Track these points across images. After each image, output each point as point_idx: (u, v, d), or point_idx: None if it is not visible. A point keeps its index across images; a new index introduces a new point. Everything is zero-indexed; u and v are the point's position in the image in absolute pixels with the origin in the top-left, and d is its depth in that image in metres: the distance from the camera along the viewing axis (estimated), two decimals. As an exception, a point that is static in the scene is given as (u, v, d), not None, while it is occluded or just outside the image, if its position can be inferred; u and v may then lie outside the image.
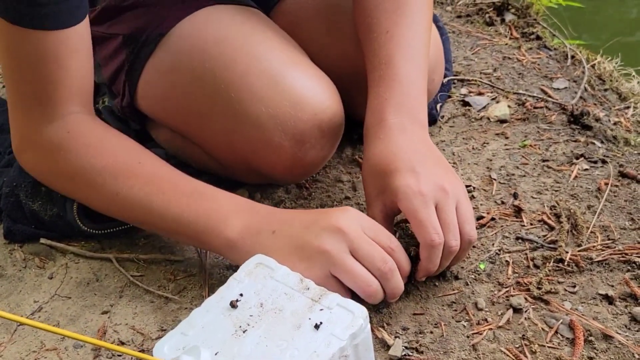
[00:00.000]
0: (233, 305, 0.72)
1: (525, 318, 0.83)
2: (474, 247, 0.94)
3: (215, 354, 0.67)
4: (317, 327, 0.68)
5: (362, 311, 0.70)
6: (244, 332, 0.69)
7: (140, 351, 0.83)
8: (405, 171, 0.82)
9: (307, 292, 0.72)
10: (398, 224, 0.97)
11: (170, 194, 0.85)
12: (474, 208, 1.00)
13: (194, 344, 0.68)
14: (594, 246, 0.93)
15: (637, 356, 0.77)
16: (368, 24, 0.94)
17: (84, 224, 0.97)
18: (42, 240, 1.00)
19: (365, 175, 0.88)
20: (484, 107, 1.26)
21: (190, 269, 0.95)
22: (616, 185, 1.04)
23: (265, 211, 0.85)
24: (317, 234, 0.78)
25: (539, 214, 0.99)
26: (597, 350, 0.78)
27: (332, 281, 0.77)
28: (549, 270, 0.89)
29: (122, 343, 0.85)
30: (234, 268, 0.92)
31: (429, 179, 0.81)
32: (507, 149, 1.14)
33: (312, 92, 0.91)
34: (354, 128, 1.14)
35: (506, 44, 1.49)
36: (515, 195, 1.03)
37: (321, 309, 0.70)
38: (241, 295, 0.73)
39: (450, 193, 0.81)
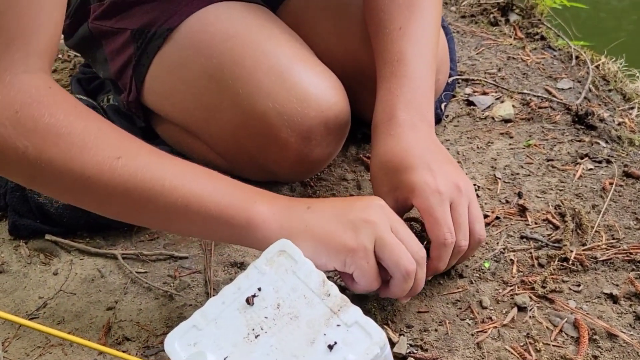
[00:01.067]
0: (249, 302, 0.70)
1: (530, 316, 0.83)
2: (478, 245, 0.94)
3: (224, 358, 0.67)
4: (330, 347, 0.66)
5: (380, 337, 0.66)
6: (256, 337, 0.68)
7: (144, 347, 0.83)
8: (421, 168, 0.82)
9: (327, 300, 0.69)
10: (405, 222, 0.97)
11: (183, 167, 0.75)
12: (478, 207, 1.00)
13: (205, 343, 0.67)
14: (598, 245, 0.93)
15: (641, 355, 0.77)
16: (380, 19, 0.94)
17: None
18: (47, 237, 1.00)
19: (375, 171, 0.87)
20: (489, 107, 1.26)
21: (195, 266, 0.95)
22: (621, 185, 1.04)
23: (290, 197, 0.81)
24: (362, 208, 0.75)
25: (543, 213, 0.99)
26: (602, 349, 0.78)
27: (373, 256, 0.74)
28: (554, 269, 0.89)
29: (126, 339, 0.85)
30: (238, 265, 0.93)
31: (445, 177, 0.81)
32: (511, 149, 1.14)
33: (319, 89, 0.91)
34: (358, 127, 1.14)
35: (510, 44, 1.49)
36: (519, 195, 1.03)
37: (338, 325, 0.67)
38: (259, 289, 0.71)
39: (463, 192, 0.81)
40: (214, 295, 0.85)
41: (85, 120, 0.71)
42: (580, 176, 1.07)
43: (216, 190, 0.74)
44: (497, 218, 0.99)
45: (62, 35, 1.13)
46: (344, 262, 0.73)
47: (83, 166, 0.70)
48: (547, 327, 0.82)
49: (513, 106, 1.26)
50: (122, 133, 0.74)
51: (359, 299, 0.82)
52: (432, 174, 0.81)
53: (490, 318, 0.84)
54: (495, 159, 1.12)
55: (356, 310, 0.68)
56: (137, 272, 0.94)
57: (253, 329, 0.68)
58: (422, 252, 0.76)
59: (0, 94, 0.67)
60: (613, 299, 0.85)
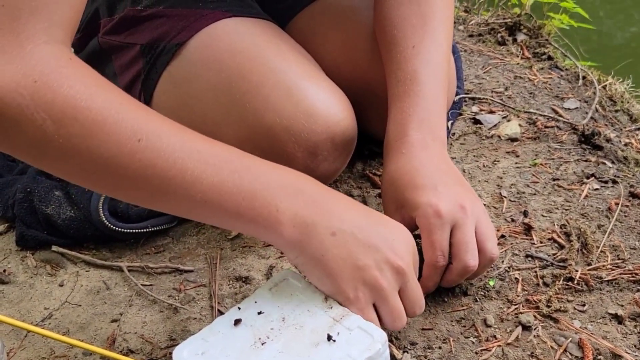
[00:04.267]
0: (237, 324, 0.74)
1: (534, 336, 0.83)
2: (483, 263, 0.94)
3: None
4: (329, 338, 0.70)
5: (381, 336, 0.71)
6: (262, 344, 0.71)
7: (148, 360, 0.83)
8: (428, 189, 0.83)
9: (330, 312, 0.73)
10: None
11: (208, 153, 0.71)
12: (484, 225, 1.00)
13: (212, 352, 0.70)
14: (603, 265, 0.92)
15: (646, 376, 0.77)
16: (393, 36, 0.95)
17: (112, 224, 0.98)
18: (54, 248, 1.01)
19: (385, 189, 0.89)
20: (495, 125, 1.27)
21: (200, 279, 0.95)
22: (627, 206, 1.04)
23: (313, 193, 0.75)
24: (379, 265, 0.74)
25: (549, 232, 0.99)
26: (606, 369, 0.78)
27: (371, 310, 0.75)
28: (559, 289, 0.89)
29: (131, 351, 0.85)
30: (243, 280, 0.93)
31: (450, 199, 0.82)
32: (517, 167, 1.14)
33: (326, 105, 0.92)
34: (365, 143, 1.15)
35: (518, 64, 1.50)
36: (525, 213, 1.03)
37: (341, 330, 0.71)
38: (260, 313, 0.75)
39: (469, 212, 0.82)
40: (218, 309, 0.87)
41: (106, 93, 0.67)
42: (586, 196, 1.07)
43: (237, 187, 0.71)
44: (503, 236, 0.99)
45: (72, 50, 1.15)
46: (344, 303, 0.75)
47: (101, 145, 0.65)
48: (551, 347, 0.82)
49: (519, 125, 1.26)
50: (145, 109, 0.70)
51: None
52: (437, 195, 0.82)
53: (495, 336, 0.83)
54: (501, 178, 1.12)
55: (358, 318, 0.72)
56: (142, 285, 0.95)
57: (260, 338, 0.71)
58: (421, 309, 0.79)
59: (20, 62, 0.63)
60: (618, 319, 0.85)
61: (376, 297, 0.74)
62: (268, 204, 0.72)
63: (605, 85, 1.40)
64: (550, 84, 1.41)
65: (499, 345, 0.82)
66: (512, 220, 1.02)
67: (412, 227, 0.85)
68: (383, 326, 0.75)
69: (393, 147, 0.89)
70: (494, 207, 1.05)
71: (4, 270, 0.99)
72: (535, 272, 0.93)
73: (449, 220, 0.81)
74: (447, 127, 1.24)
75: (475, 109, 1.33)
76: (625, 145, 1.20)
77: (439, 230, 0.81)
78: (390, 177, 0.88)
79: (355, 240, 0.74)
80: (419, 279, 0.81)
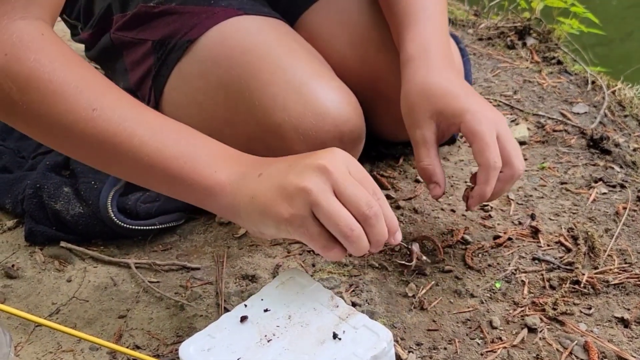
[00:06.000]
0: (243, 320, 0.75)
1: (540, 338, 0.83)
2: (489, 265, 0.94)
3: (237, 359, 0.69)
4: (335, 336, 0.71)
5: (387, 334, 0.71)
6: (268, 341, 0.71)
7: (155, 356, 0.84)
8: (470, 96, 0.86)
9: (336, 310, 0.74)
10: (415, 240, 0.98)
11: (157, 123, 0.76)
12: (490, 228, 1.01)
13: (218, 348, 0.70)
14: (610, 269, 0.92)
15: (652, 380, 0.77)
16: None
17: (120, 220, 0.99)
18: (62, 244, 1.02)
19: (413, 98, 0.89)
20: (504, 129, 1.27)
21: (207, 277, 0.96)
22: (634, 210, 1.04)
23: (254, 158, 0.79)
24: (300, 172, 0.71)
25: (556, 236, 0.99)
26: (612, 372, 0.78)
27: (313, 223, 0.70)
28: (565, 292, 0.89)
29: (137, 347, 0.85)
30: (250, 278, 0.94)
31: (490, 107, 0.87)
32: (525, 171, 1.14)
33: (334, 104, 0.93)
34: (373, 145, 1.15)
35: (527, 68, 1.50)
36: (532, 216, 1.03)
37: (347, 329, 0.72)
38: (266, 310, 0.75)
39: (505, 124, 0.86)
40: (224, 306, 0.87)
41: (69, 68, 0.73)
42: (594, 200, 1.07)
43: (182, 152, 0.75)
44: (510, 239, 0.99)
45: (84, 47, 1.16)
46: (288, 232, 0.72)
47: (60, 113, 0.72)
48: (557, 349, 0.81)
49: (528, 129, 1.26)
50: (103, 84, 0.76)
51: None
52: (479, 103, 0.86)
53: (500, 338, 0.83)
54: (509, 181, 1.12)
55: (363, 317, 0.73)
56: (149, 282, 0.95)
57: (265, 335, 0.72)
58: (372, 209, 0.71)
59: None
60: (624, 323, 0.85)
61: (309, 203, 0.69)
62: (208, 167, 0.75)
63: (615, 91, 1.40)
64: (559, 89, 1.41)
65: (505, 347, 0.82)
66: (520, 223, 1.02)
67: (445, 136, 0.89)
68: (337, 245, 0.72)
69: (417, 61, 0.91)
70: (502, 210, 1.05)
71: (13, 265, 0.99)
72: (542, 274, 0.93)
73: (494, 125, 0.84)
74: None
75: (483, 112, 1.32)
76: (634, 150, 1.20)
77: (489, 132, 0.83)
78: (421, 87, 0.88)
79: (277, 171, 0.73)
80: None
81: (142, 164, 0.74)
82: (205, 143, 0.78)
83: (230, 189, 0.74)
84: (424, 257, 0.93)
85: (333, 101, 0.93)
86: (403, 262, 0.94)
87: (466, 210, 1.01)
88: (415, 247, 0.92)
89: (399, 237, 0.76)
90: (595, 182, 1.10)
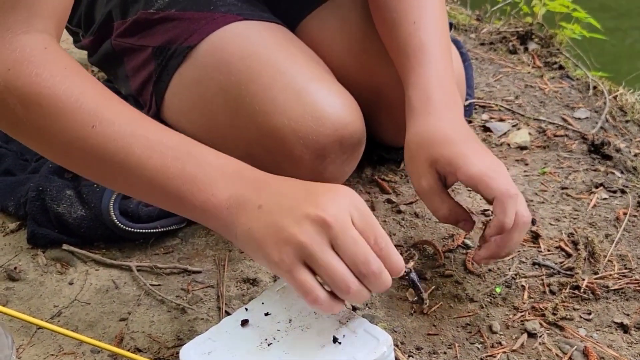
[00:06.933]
0: (243, 325, 0.75)
1: (540, 343, 0.83)
2: (490, 270, 0.95)
3: None
4: (335, 340, 0.71)
5: (386, 339, 0.71)
6: (269, 345, 0.72)
7: (156, 359, 0.84)
8: (468, 142, 0.86)
9: (336, 314, 0.74)
10: (416, 245, 0.98)
11: (154, 138, 0.74)
12: (491, 232, 1.01)
13: (219, 352, 0.71)
14: (610, 274, 0.93)
15: (651, 385, 0.77)
16: (394, 19, 0.97)
17: (122, 223, 0.99)
18: (65, 246, 1.02)
19: (414, 147, 0.89)
20: (505, 133, 1.27)
21: (208, 280, 0.96)
22: (634, 215, 1.04)
23: (254, 177, 0.75)
24: (298, 221, 0.68)
25: (556, 241, 0.99)
26: (611, 378, 0.78)
27: (304, 271, 0.68)
28: (565, 297, 0.89)
29: (138, 350, 0.86)
30: (251, 281, 0.94)
31: (488, 152, 0.86)
32: (526, 176, 1.15)
33: (334, 108, 0.93)
34: (374, 149, 1.16)
35: (529, 72, 1.50)
36: (533, 222, 1.03)
37: (347, 333, 0.72)
38: (267, 314, 0.76)
39: (505, 169, 0.85)
40: (225, 310, 0.88)
41: (70, 81, 0.72)
42: (595, 205, 1.07)
43: (180, 172, 0.73)
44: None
45: (86, 53, 1.16)
46: (277, 273, 0.71)
47: (61, 129, 0.72)
48: (556, 354, 0.82)
49: (529, 133, 1.26)
50: (104, 96, 0.75)
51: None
52: (474, 148, 0.85)
53: (500, 343, 0.84)
54: (510, 185, 1.12)
55: (364, 321, 0.73)
56: (151, 285, 0.95)
57: (266, 339, 0.72)
58: (371, 268, 0.68)
59: None
60: (623, 328, 0.85)
61: (302, 256, 0.67)
62: (205, 190, 0.73)
63: (616, 96, 1.40)
64: (560, 93, 1.41)
65: (504, 352, 0.82)
66: (520, 227, 1.02)
67: (449, 182, 0.88)
68: (331, 294, 0.69)
69: (418, 109, 0.90)
70: (502, 215, 1.05)
71: (15, 268, 1.00)
72: (542, 279, 0.93)
73: (494, 168, 0.83)
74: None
75: (485, 116, 1.33)
76: (635, 155, 1.20)
77: (493, 170, 0.82)
78: (421, 136, 0.88)
79: (278, 207, 0.70)
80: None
81: (141, 183, 0.74)
82: (204, 159, 0.75)
83: (227, 214, 0.72)
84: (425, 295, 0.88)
85: (333, 105, 0.93)
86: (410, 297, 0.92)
87: (472, 265, 0.95)
88: (414, 276, 0.86)
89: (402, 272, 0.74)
90: (596, 187, 1.11)
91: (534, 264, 0.96)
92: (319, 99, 0.93)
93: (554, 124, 1.28)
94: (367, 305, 0.89)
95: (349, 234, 0.68)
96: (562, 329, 0.85)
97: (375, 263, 0.68)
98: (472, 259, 0.87)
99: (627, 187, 1.10)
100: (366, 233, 0.69)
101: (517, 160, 1.19)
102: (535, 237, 1.01)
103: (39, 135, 0.74)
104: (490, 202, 0.83)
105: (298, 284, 0.67)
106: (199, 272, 0.98)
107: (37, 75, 0.70)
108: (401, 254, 0.96)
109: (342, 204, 0.69)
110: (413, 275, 0.85)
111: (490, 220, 0.83)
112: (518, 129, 1.28)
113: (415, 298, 0.88)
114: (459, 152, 0.84)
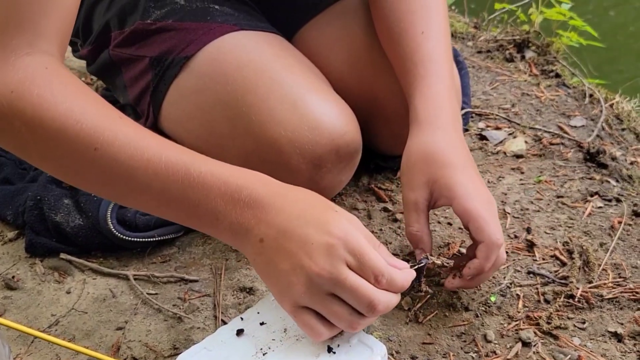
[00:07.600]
0: (239, 334, 0.76)
1: (534, 352, 0.84)
2: (485, 279, 0.95)
3: None
4: (330, 349, 0.72)
5: (381, 349, 0.72)
6: (264, 354, 0.72)
7: (152, 368, 0.85)
8: (466, 168, 0.86)
9: None
10: (411, 254, 0.98)
11: (155, 160, 0.73)
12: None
13: (215, 359, 0.72)
14: (605, 283, 0.93)
15: (644, 395, 0.77)
16: (401, 28, 0.98)
17: (119, 232, 1.00)
18: (62, 256, 1.02)
19: (414, 157, 0.89)
20: (501, 142, 1.28)
21: (205, 289, 0.97)
22: (629, 224, 1.04)
23: (252, 199, 0.74)
24: (294, 268, 0.70)
25: (551, 250, 1.00)
26: (605, 387, 0.79)
27: (301, 314, 0.72)
28: (559, 306, 0.89)
29: (135, 359, 0.86)
30: (247, 290, 0.94)
31: (483, 185, 0.87)
32: (522, 184, 1.15)
33: (330, 118, 0.94)
34: (371, 158, 1.16)
35: (525, 81, 1.51)
36: (528, 230, 1.04)
37: (340, 342, 0.73)
38: (262, 324, 0.77)
39: (496, 207, 0.86)
40: (222, 319, 0.88)
41: (70, 100, 0.72)
42: (590, 214, 1.07)
43: (181, 196, 0.73)
44: (505, 253, 0.99)
45: (85, 62, 1.17)
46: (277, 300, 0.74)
47: (65, 152, 0.72)
48: (550, 363, 0.82)
49: (525, 142, 1.27)
50: (106, 116, 0.74)
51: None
52: (473, 179, 0.85)
53: (495, 352, 0.84)
54: (506, 194, 1.13)
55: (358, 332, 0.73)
56: (147, 294, 0.96)
57: (261, 349, 0.73)
58: (378, 307, 0.70)
59: (2, 74, 0.71)
60: (617, 337, 0.85)
61: (302, 301, 0.71)
62: (209, 214, 0.74)
63: (612, 104, 1.41)
64: (557, 102, 1.42)
65: (499, 361, 0.83)
66: (515, 236, 1.03)
67: (436, 204, 0.88)
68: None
69: (425, 120, 0.90)
70: (498, 223, 1.06)
71: (13, 277, 1.00)
72: (537, 288, 0.93)
73: (489, 205, 0.84)
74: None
75: (481, 125, 1.34)
76: (631, 163, 1.20)
77: (487, 210, 0.83)
78: (423, 150, 0.88)
79: (276, 248, 0.71)
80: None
81: (149, 205, 0.77)
82: (203, 179, 0.73)
83: (234, 239, 0.75)
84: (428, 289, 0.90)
85: (329, 115, 0.94)
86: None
87: (444, 287, 0.91)
88: (425, 262, 0.87)
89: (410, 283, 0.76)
90: (592, 195, 1.11)
91: (528, 272, 0.96)
92: (315, 109, 0.93)
93: (550, 132, 1.29)
94: (362, 314, 0.90)
95: (347, 282, 0.69)
96: (556, 338, 0.85)
97: (381, 304, 0.70)
98: (444, 284, 0.88)
99: (622, 195, 1.11)
100: (363, 270, 0.70)
101: (512, 169, 1.20)
102: (530, 245, 1.01)
103: (46, 157, 0.74)
104: (474, 240, 0.84)
105: (301, 324, 0.72)
106: (196, 281, 0.98)
107: (39, 96, 0.70)
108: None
109: (335, 253, 0.70)
110: (424, 261, 0.86)
111: (466, 255, 0.88)
112: (514, 137, 1.29)
113: (417, 285, 0.88)
114: (458, 181, 0.84)
